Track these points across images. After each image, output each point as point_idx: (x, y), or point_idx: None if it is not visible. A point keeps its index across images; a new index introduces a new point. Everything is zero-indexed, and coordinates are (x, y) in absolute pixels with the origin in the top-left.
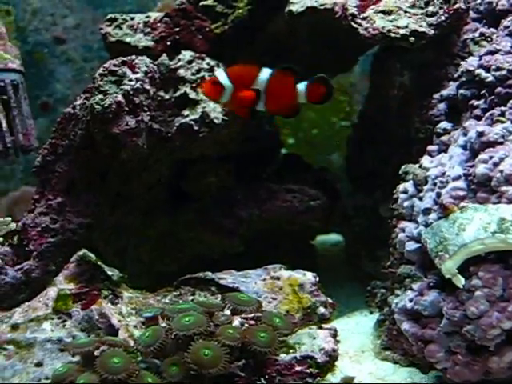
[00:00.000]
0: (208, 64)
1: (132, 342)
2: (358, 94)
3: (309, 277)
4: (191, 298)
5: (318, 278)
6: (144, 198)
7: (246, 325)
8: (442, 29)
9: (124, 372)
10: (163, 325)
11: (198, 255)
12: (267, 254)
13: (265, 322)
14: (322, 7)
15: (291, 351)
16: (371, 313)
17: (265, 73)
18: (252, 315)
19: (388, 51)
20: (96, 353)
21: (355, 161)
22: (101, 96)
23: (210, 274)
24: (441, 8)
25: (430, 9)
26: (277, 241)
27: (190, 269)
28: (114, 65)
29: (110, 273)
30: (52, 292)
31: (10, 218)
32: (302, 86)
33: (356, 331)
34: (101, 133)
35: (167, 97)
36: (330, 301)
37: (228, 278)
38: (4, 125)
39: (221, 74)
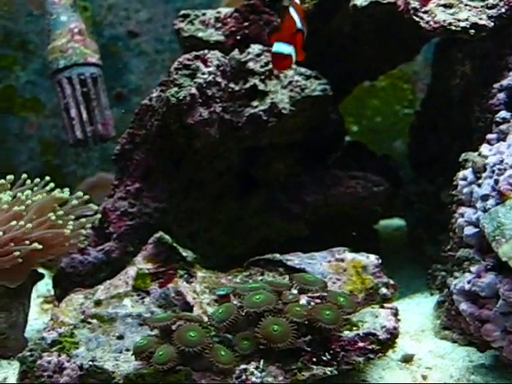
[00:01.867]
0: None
1: (205, 318)
2: (421, 82)
3: (372, 259)
4: (260, 277)
5: (380, 261)
6: (215, 184)
7: (312, 303)
8: (502, 20)
9: (199, 345)
10: (235, 302)
11: (265, 238)
12: (331, 238)
13: (330, 300)
14: (384, 1)
15: (354, 328)
16: (432, 294)
17: (291, 10)
18: (318, 294)
19: (450, 41)
20: (173, 327)
21: (418, 148)
22: (176, 89)
23: (277, 255)
24: (501, 0)
25: (490, 1)
26: (341, 225)
27: (257, 251)
28: (188, 59)
29: (184, 254)
30: (132, 271)
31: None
32: None
33: (417, 312)
34: (176, 123)
35: (237, 88)
36: (391, 282)
37: (295, 259)
38: (84, 115)
39: (280, 46)
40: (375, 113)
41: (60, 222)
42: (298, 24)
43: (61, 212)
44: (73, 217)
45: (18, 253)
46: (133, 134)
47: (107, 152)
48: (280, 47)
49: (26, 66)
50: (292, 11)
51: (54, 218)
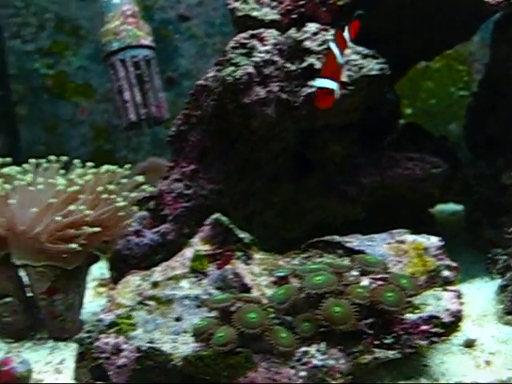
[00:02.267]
0: (332, 35)
1: (264, 300)
2: (478, 63)
3: (433, 241)
4: (319, 260)
5: (443, 242)
6: (270, 165)
7: (374, 285)
8: None
9: (260, 327)
10: (295, 284)
11: (319, 222)
12: (386, 221)
13: (392, 282)
14: None
15: (417, 311)
16: (492, 279)
17: (333, 47)
18: (379, 276)
19: (510, 19)
20: (232, 309)
21: (475, 129)
22: (232, 68)
23: (336, 237)
24: None
25: None
26: (397, 208)
27: (312, 235)
28: (244, 38)
29: (241, 235)
30: (189, 253)
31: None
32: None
33: (478, 296)
34: (232, 103)
35: (294, 68)
36: (454, 264)
37: (354, 241)
38: (138, 98)
39: (324, 82)
40: (430, 95)
41: (113, 197)
42: (339, 59)
43: (112, 187)
44: (126, 193)
45: (74, 245)
46: (188, 115)
47: (158, 137)
48: (323, 82)
49: (77, 52)
50: (333, 46)
51: (105, 195)
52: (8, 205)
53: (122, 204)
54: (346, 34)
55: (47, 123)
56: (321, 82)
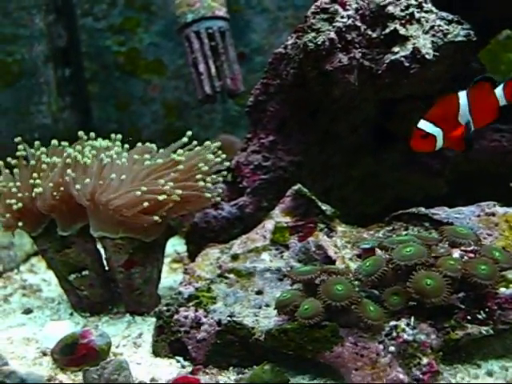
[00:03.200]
0: (416, 0)
1: (350, 273)
2: None
3: None
4: (404, 232)
5: None
6: (350, 137)
7: (466, 257)
8: None
9: (347, 299)
10: (382, 256)
11: (399, 197)
12: (469, 197)
13: (485, 255)
14: None
15: (511, 286)
16: None
17: (463, 97)
18: (471, 248)
19: None
20: (317, 281)
21: None
22: (314, 34)
23: (422, 209)
24: None
25: None
26: (482, 183)
27: (391, 210)
28: (326, 3)
29: (323, 207)
30: (269, 225)
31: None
32: (499, 91)
33: None
34: (314, 70)
35: (376, 35)
36: None
37: (441, 213)
38: (213, 70)
39: (425, 124)
40: (510, 67)
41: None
42: (463, 117)
43: (205, 168)
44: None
45: (156, 218)
46: (266, 85)
47: (230, 113)
48: (425, 125)
49: (148, 28)
50: (463, 97)
51: (201, 181)
52: (91, 175)
53: (202, 184)
54: (498, 91)
55: (119, 101)
56: (423, 124)
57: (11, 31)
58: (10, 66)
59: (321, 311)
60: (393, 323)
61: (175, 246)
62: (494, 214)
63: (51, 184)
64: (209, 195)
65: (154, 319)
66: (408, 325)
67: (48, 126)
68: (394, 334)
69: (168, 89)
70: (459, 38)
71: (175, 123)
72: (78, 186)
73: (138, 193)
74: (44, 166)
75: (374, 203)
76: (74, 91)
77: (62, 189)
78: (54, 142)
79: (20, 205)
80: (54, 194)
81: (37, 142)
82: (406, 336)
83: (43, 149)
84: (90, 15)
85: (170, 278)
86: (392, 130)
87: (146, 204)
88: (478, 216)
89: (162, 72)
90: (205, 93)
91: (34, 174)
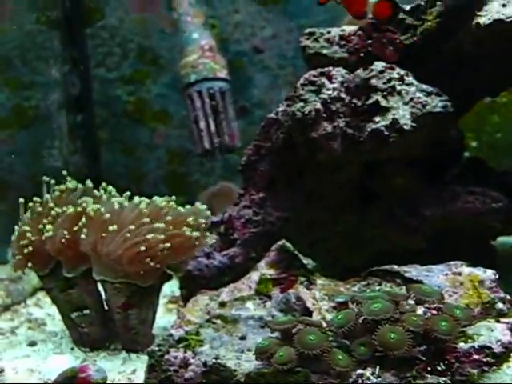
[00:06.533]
0: (398, 73)
1: (324, 324)
2: None
3: (489, 274)
4: (378, 287)
5: (497, 276)
6: (335, 196)
7: (429, 314)
8: None
9: (318, 348)
10: (353, 309)
11: (381, 251)
12: (447, 253)
13: (446, 312)
14: (508, 19)
15: (469, 341)
16: None
17: None
18: (434, 306)
19: None
20: (293, 330)
21: None
22: (301, 104)
23: (395, 266)
24: None
25: None
26: (457, 240)
27: (373, 263)
28: (314, 76)
29: (305, 261)
30: (255, 276)
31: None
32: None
33: None
34: (300, 136)
35: (360, 104)
36: (508, 297)
37: (412, 271)
38: (212, 127)
39: None
40: (496, 129)
41: (193, 233)
42: None
43: (190, 219)
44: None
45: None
46: (259, 146)
47: (229, 162)
48: None
49: (156, 80)
50: None
51: (188, 232)
52: (94, 225)
53: (194, 234)
54: None
55: (126, 146)
56: None
57: (29, 78)
58: (27, 110)
59: (294, 358)
60: (359, 371)
61: (172, 287)
62: (460, 274)
63: (61, 230)
64: (197, 243)
65: (147, 357)
66: (373, 373)
67: (59, 169)
68: (360, 381)
69: (172, 137)
70: (437, 109)
71: (178, 169)
72: (82, 236)
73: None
74: (55, 211)
75: (358, 256)
76: (85, 136)
77: (68, 236)
78: (62, 187)
79: (30, 249)
80: (63, 239)
81: (53, 188)
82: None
83: (55, 192)
84: (103, 66)
85: (165, 318)
86: (374, 189)
87: (140, 249)
88: (446, 275)
89: (168, 121)
90: (204, 148)
91: (45, 220)
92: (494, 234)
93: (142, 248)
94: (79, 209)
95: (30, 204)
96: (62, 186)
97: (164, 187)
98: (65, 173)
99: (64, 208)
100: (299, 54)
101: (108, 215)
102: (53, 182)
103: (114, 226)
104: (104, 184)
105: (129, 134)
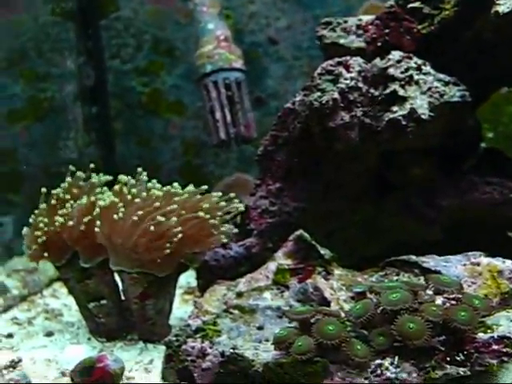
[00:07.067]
0: (415, 63)
1: (342, 314)
2: None
3: (508, 264)
4: (396, 278)
5: None
6: (352, 186)
7: (448, 304)
8: None
9: (337, 338)
10: (372, 299)
11: (398, 241)
12: (464, 243)
13: (465, 302)
14: None
15: (489, 331)
16: None
17: None
18: (453, 296)
19: None
20: (312, 320)
21: None
22: (319, 93)
23: (413, 257)
24: None
25: None
26: (475, 231)
27: (390, 253)
28: (331, 65)
29: (322, 252)
30: (272, 266)
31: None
32: None
33: None
34: (318, 126)
35: (377, 94)
36: None
37: (430, 261)
38: (228, 118)
39: None
40: None
41: (207, 216)
42: None
43: (207, 205)
44: (219, 212)
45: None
46: (275, 136)
47: (245, 154)
48: None
49: (171, 71)
50: None
51: (202, 214)
52: (107, 216)
53: (212, 222)
54: None
55: (141, 138)
56: None
57: (44, 70)
58: (42, 102)
59: (313, 348)
60: (378, 361)
61: (189, 278)
62: (478, 264)
63: (77, 220)
64: (217, 235)
65: (164, 347)
66: (392, 363)
67: (74, 161)
68: (379, 371)
69: (187, 128)
70: (455, 99)
71: (193, 161)
72: (97, 229)
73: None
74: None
75: (375, 246)
76: (100, 128)
77: (83, 227)
78: (81, 174)
79: (44, 239)
80: (80, 228)
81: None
82: (389, 374)
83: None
84: (118, 58)
85: (181, 308)
86: (391, 179)
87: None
88: (464, 265)
89: (182, 112)
90: (220, 139)
91: (61, 211)
92: (511, 224)
93: (152, 228)
94: (93, 199)
95: (44, 194)
96: (76, 178)
97: (179, 178)
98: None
99: (78, 199)
100: (314, 45)
101: (121, 205)
102: (74, 171)
103: (120, 214)
104: (120, 176)
105: (143, 126)
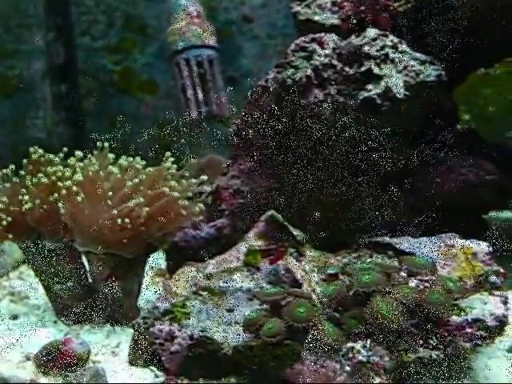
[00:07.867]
0: (391, 41)
1: (314, 296)
2: None
3: (483, 246)
4: (369, 259)
5: (491, 248)
6: (326, 166)
7: (421, 286)
8: None
9: (307, 321)
10: (344, 281)
11: (372, 223)
12: (440, 226)
13: (439, 284)
14: None
15: (462, 314)
16: None
17: None
18: (427, 278)
19: None
20: (282, 302)
21: None
22: (292, 70)
23: (387, 238)
24: None
25: None
26: (450, 213)
27: (363, 235)
28: (305, 41)
29: (295, 232)
30: (243, 247)
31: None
32: None
33: None
34: (291, 104)
35: (352, 72)
36: (501, 270)
37: (404, 243)
38: (200, 96)
39: None
40: (488, 102)
41: (175, 194)
42: None
43: (173, 183)
44: (188, 192)
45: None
46: (248, 115)
47: (218, 134)
48: None
49: (144, 49)
50: None
51: (167, 189)
52: (73, 196)
53: (178, 197)
54: None
55: (112, 117)
56: None
57: (12, 46)
58: (10, 79)
59: (283, 331)
60: (350, 344)
61: (158, 259)
62: (453, 246)
63: (38, 200)
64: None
65: (132, 330)
66: (364, 347)
67: (42, 140)
68: (350, 354)
69: (159, 107)
70: (431, 78)
71: (165, 140)
72: (62, 210)
73: (116, 211)
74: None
75: (348, 228)
76: (69, 107)
77: (45, 207)
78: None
79: (9, 219)
80: (41, 209)
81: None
82: (360, 357)
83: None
84: (88, 35)
85: (150, 290)
86: (365, 161)
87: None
88: (439, 247)
89: (154, 91)
90: (191, 117)
91: (23, 190)
92: (486, 207)
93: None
94: (53, 178)
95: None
96: (34, 156)
97: (151, 159)
98: None
99: (38, 178)
100: (290, 23)
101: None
102: (41, 151)
103: (82, 195)
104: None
105: (114, 105)
